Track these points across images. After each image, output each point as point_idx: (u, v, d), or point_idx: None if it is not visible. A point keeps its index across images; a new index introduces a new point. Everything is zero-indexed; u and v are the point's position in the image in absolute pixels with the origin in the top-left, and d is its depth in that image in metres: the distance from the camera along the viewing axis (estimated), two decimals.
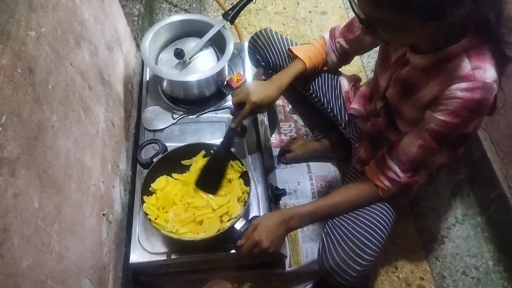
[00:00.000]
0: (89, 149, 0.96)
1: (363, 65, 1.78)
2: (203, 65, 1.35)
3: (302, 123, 1.54)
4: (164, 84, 1.33)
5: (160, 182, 1.10)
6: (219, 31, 1.32)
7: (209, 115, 1.36)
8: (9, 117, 0.62)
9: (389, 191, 0.94)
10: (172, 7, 2.02)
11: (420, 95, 0.86)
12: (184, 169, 1.16)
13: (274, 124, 1.60)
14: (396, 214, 1.01)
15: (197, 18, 1.39)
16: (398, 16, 0.69)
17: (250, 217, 1.07)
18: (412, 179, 0.91)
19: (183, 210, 1.06)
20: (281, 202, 1.31)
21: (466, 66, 0.76)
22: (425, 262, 1.29)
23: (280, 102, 1.67)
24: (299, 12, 2.01)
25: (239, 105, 1.05)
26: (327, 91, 1.16)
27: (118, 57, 1.30)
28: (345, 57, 1.12)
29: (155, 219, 1.03)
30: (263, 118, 1.37)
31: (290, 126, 1.61)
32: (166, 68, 1.32)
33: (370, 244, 0.93)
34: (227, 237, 1.03)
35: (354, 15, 1.03)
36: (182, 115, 1.35)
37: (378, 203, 0.99)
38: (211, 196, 1.09)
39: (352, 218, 0.97)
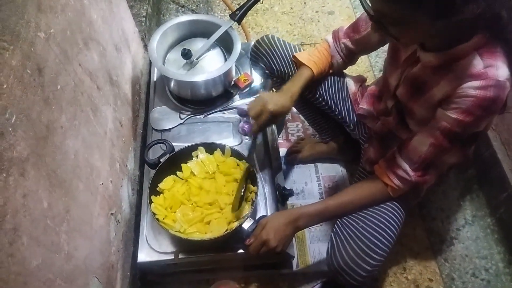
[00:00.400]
0: (97, 149, 0.96)
1: (371, 65, 1.77)
2: (211, 65, 1.35)
3: None
4: (172, 84, 1.34)
5: (168, 182, 1.10)
6: (226, 31, 1.33)
7: (216, 115, 1.36)
8: (19, 118, 0.63)
9: (399, 190, 0.93)
10: (179, 8, 2.02)
11: (431, 94, 0.85)
12: None
13: (281, 124, 1.60)
14: (405, 214, 1.00)
15: (204, 19, 1.39)
16: (409, 12, 0.68)
17: (257, 217, 1.07)
18: (422, 178, 0.90)
19: (191, 210, 1.07)
20: (288, 202, 1.30)
21: (478, 64, 0.75)
22: (434, 263, 1.28)
23: None
24: (306, 12, 2.01)
25: (257, 117, 1.02)
26: (334, 94, 1.16)
27: (126, 58, 1.31)
28: (350, 57, 1.11)
29: (163, 219, 1.04)
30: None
31: (297, 126, 1.60)
32: (174, 68, 1.33)
33: (379, 244, 0.92)
34: (235, 237, 1.03)
35: (361, 15, 1.03)
36: (190, 115, 1.35)
37: (387, 203, 0.98)
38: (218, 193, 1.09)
39: (362, 218, 0.96)
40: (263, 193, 1.19)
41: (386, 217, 0.95)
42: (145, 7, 1.60)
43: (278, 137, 1.56)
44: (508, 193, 1.23)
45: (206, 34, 1.37)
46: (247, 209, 1.07)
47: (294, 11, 2.02)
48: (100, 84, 1.02)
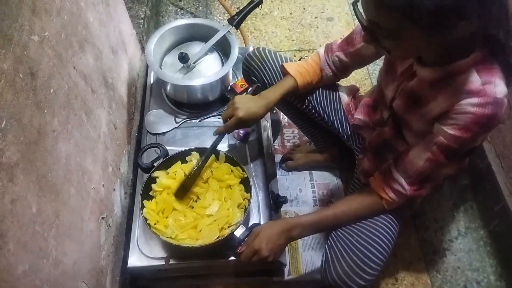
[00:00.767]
0: (90, 153, 0.95)
1: (368, 73, 1.77)
2: (208, 69, 1.34)
3: None
4: (168, 87, 1.33)
5: (162, 184, 1.10)
6: (224, 36, 1.32)
7: (212, 120, 1.35)
8: (9, 122, 0.62)
9: (394, 203, 0.93)
10: (178, 10, 2.02)
11: (428, 109, 0.84)
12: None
13: (277, 130, 1.60)
14: (400, 226, 1.00)
15: (203, 23, 1.39)
16: (402, 24, 0.68)
17: (250, 224, 1.06)
18: (417, 192, 0.90)
19: (183, 215, 1.06)
20: (282, 209, 1.30)
21: (476, 80, 0.75)
22: (426, 274, 1.28)
23: None
24: (305, 18, 2.01)
25: (226, 119, 1.06)
26: (326, 105, 1.15)
27: (123, 60, 1.30)
28: (343, 71, 1.10)
29: (155, 224, 1.03)
30: (266, 123, 1.36)
31: (293, 132, 1.60)
32: (170, 71, 1.32)
33: (374, 258, 0.92)
34: (227, 243, 1.02)
35: (355, 27, 1.03)
36: (185, 119, 1.34)
37: (382, 215, 0.98)
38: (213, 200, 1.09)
39: (356, 231, 0.96)
40: (257, 200, 1.18)
41: (381, 230, 0.95)
42: (143, 9, 1.59)
43: (274, 143, 1.55)
44: (502, 205, 1.23)
45: (204, 38, 1.36)
46: (239, 216, 1.06)
47: (293, 16, 2.02)
48: (95, 87, 1.01)
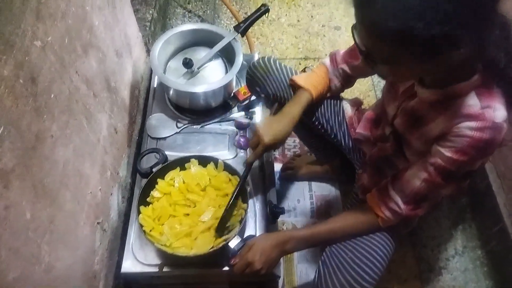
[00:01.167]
0: (88, 157, 0.95)
1: (373, 84, 1.77)
2: (211, 75, 1.34)
3: None
4: (171, 92, 1.33)
5: (162, 188, 1.09)
6: (229, 42, 1.32)
7: (213, 126, 1.35)
8: (7, 129, 0.62)
9: (389, 222, 0.92)
10: (186, 13, 2.02)
11: (428, 129, 0.84)
12: None
13: None
14: (395, 244, 0.99)
15: (208, 28, 1.39)
16: (394, 52, 0.68)
17: (245, 236, 1.06)
18: (413, 212, 0.89)
19: (178, 223, 1.05)
20: (279, 219, 1.29)
21: (476, 104, 0.75)
22: None
23: None
24: (312, 26, 2.00)
25: (254, 147, 1.03)
26: (330, 117, 1.15)
27: (127, 63, 1.30)
28: (347, 81, 1.10)
29: (150, 231, 1.03)
30: None
31: (294, 141, 1.59)
32: (174, 76, 1.32)
33: (366, 277, 0.91)
34: (221, 253, 1.02)
35: None
36: (187, 124, 1.34)
37: (378, 233, 0.97)
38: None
39: (350, 248, 0.95)
40: (254, 210, 1.18)
41: (375, 248, 0.94)
42: (150, 12, 1.59)
43: (274, 152, 1.55)
44: (500, 226, 1.22)
45: (209, 44, 1.36)
46: (235, 226, 1.06)
47: (301, 23, 2.01)
48: (97, 91, 1.01)
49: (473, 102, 0.75)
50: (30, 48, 0.69)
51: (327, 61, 1.10)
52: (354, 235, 0.97)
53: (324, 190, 1.46)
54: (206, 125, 1.35)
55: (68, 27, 0.84)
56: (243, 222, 1.05)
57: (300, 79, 1.07)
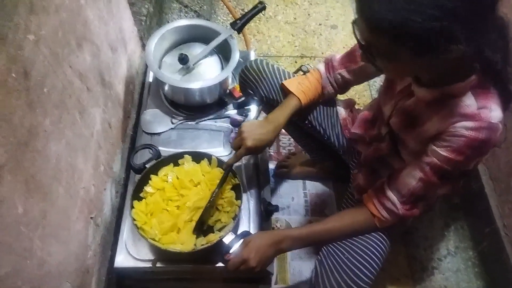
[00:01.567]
0: (81, 152, 0.95)
1: (368, 84, 1.77)
2: (207, 72, 1.34)
3: None
4: (166, 88, 1.32)
5: (155, 184, 1.09)
6: (225, 39, 1.31)
7: (208, 123, 1.34)
8: None
9: (386, 222, 0.92)
10: (183, 7, 2.01)
11: (424, 128, 0.85)
12: None
13: None
14: (390, 244, 1.00)
15: (205, 25, 1.38)
16: (392, 46, 0.69)
17: (239, 232, 1.06)
18: (409, 211, 0.90)
19: (167, 218, 1.05)
20: (273, 217, 1.30)
21: (472, 104, 0.75)
22: None
23: None
24: (309, 24, 2.00)
25: (236, 149, 1.05)
26: (323, 119, 1.14)
27: (122, 58, 1.29)
28: (344, 87, 1.10)
29: (142, 225, 1.02)
30: None
31: (289, 139, 1.59)
32: (169, 72, 1.31)
33: (363, 277, 0.91)
34: (215, 250, 1.02)
35: (356, 44, 1.02)
36: (181, 120, 1.34)
37: (373, 233, 0.97)
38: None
39: (347, 248, 0.96)
40: (247, 207, 1.18)
41: (371, 248, 0.95)
42: (146, 6, 1.58)
43: (269, 149, 1.55)
44: (492, 228, 1.23)
45: (205, 40, 1.36)
46: (229, 223, 1.06)
47: (298, 21, 2.01)
48: (91, 86, 1.01)
49: (469, 102, 0.75)
50: (23, 41, 0.68)
51: (321, 67, 1.10)
52: (350, 235, 0.97)
53: (318, 189, 1.47)
54: (201, 121, 1.34)
55: (62, 20, 0.83)
56: (236, 218, 1.05)
57: (291, 85, 1.06)
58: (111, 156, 1.17)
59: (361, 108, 1.18)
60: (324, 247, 0.99)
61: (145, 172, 1.10)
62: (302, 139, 1.34)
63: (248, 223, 1.16)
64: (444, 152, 0.78)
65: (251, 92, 1.15)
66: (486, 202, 1.25)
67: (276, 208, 1.18)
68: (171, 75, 1.30)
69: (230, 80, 1.39)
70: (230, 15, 1.93)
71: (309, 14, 2.04)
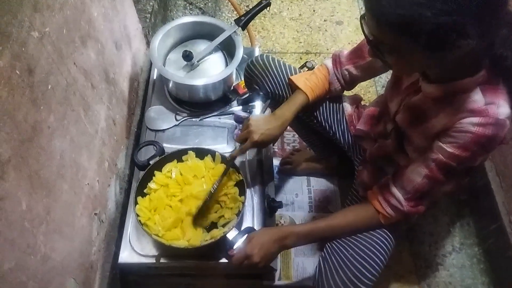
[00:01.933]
0: (86, 149, 0.95)
1: (374, 80, 1.76)
2: (211, 69, 1.34)
3: None
4: (170, 85, 1.33)
5: (159, 180, 1.10)
6: (229, 36, 1.31)
7: (212, 119, 1.35)
8: (3, 119, 0.62)
9: (390, 219, 0.92)
10: (187, 5, 2.01)
11: (430, 125, 0.84)
12: None
13: None
14: (395, 240, 1.00)
15: (209, 21, 1.38)
16: (401, 42, 0.68)
17: (243, 228, 1.06)
18: (414, 208, 0.89)
19: (170, 215, 1.05)
20: (277, 213, 1.30)
21: (480, 100, 0.75)
22: None
23: None
24: (314, 20, 1.99)
25: (242, 142, 1.05)
26: (329, 115, 1.14)
27: (126, 55, 1.29)
28: (351, 83, 1.09)
29: (146, 221, 1.03)
30: None
31: (294, 136, 1.59)
32: (174, 69, 1.32)
33: (367, 274, 0.91)
34: (218, 246, 1.02)
35: (363, 40, 1.01)
36: (186, 117, 1.34)
37: (378, 229, 0.97)
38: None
39: (351, 244, 0.95)
40: (251, 203, 1.18)
41: (376, 245, 0.94)
42: (151, 3, 1.58)
43: (273, 146, 1.55)
44: (498, 225, 1.22)
45: (210, 37, 1.36)
46: (233, 219, 1.06)
47: (303, 18, 2.00)
48: (95, 83, 1.01)
49: (477, 98, 0.75)
50: (27, 39, 0.69)
51: (329, 63, 1.09)
52: (355, 231, 0.97)
53: (322, 185, 1.46)
54: (205, 118, 1.34)
55: (66, 18, 0.84)
56: (240, 214, 1.05)
57: (299, 80, 1.06)
58: (115, 153, 1.18)
59: (367, 105, 1.17)
60: (328, 244, 0.99)
61: (149, 168, 1.10)
62: (307, 136, 1.33)
63: (251, 219, 1.16)
64: (450, 148, 0.78)
65: (257, 87, 1.14)
66: (492, 198, 1.24)
67: (280, 205, 1.18)
68: (175, 72, 1.30)
69: (234, 77, 1.39)
70: (235, 12, 1.92)
71: (314, 10, 2.03)
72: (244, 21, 1.32)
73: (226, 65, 1.35)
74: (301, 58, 1.85)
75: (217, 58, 1.37)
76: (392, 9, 0.64)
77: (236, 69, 1.38)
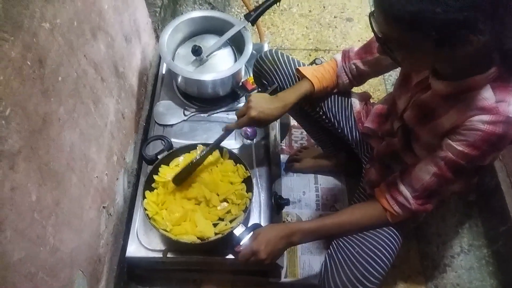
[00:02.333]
0: (95, 142, 0.95)
1: (383, 78, 1.74)
2: (220, 64, 1.33)
3: None
4: (179, 80, 1.32)
5: (163, 174, 1.09)
6: (239, 31, 1.31)
7: (220, 115, 1.34)
8: (14, 110, 0.62)
9: (398, 217, 0.91)
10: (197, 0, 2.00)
11: (439, 122, 0.83)
12: None
13: (285, 129, 1.58)
14: (402, 239, 0.99)
15: (218, 16, 1.37)
16: (411, 37, 0.67)
17: (250, 224, 1.06)
18: (422, 207, 0.88)
19: (178, 209, 1.05)
20: (283, 210, 1.29)
21: (490, 98, 0.73)
22: None
23: None
24: (324, 16, 1.97)
25: (239, 116, 1.04)
26: (337, 112, 1.13)
27: (136, 49, 1.29)
28: (359, 79, 1.08)
29: (154, 215, 1.03)
30: (275, 122, 1.35)
31: (302, 133, 1.58)
32: (183, 63, 1.31)
33: (374, 272, 0.90)
34: (225, 241, 1.02)
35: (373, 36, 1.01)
36: (194, 112, 1.34)
37: (385, 227, 0.96)
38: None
39: (358, 242, 0.95)
40: (259, 200, 1.18)
41: (383, 243, 0.94)
42: None
43: (281, 143, 1.54)
44: (508, 226, 1.20)
45: (219, 32, 1.35)
46: (240, 215, 1.06)
47: (312, 14, 1.99)
48: (105, 76, 1.01)
49: (487, 95, 0.73)
50: (38, 30, 0.69)
51: (338, 56, 1.09)
52: (361, 229, 0.96)
53: (330, 183, 1.45)
54: (214, 113, 1.34)
55: (77, 10, 0.84)
56: (247, 211, 1.05)
57: (306, 70, 1.06)
58: (124, 147, 1.18)
59: (376, 102, 1.16)
60: (335, 241, 0.98)
61: (157, 163, 1.10)
62: (315, 132, 1.33)
63: (258, 216, 1.16)
64: (459, 147, 0.77)
65: (265, 82, 1.14)
66: (502, 200, 1.22)
67: (287, 202, 1.17)
68: (184, 66, 1.30)
69: (243, 73, 1.39)
70: (245, 7, 1.91)
71: (324, 7, 2.01)
72: (253, 17, 1.31)
73: (235, 60, 1.34)
74: (310, 55, 1.84)
75: (226, 54, 1.36)
76: (401, 5, 0.63)
77: (245, 65, 1.38)
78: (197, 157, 1.06)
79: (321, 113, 1.14)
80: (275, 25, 1.94)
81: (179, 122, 1.32)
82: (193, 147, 1.15)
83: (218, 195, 1.09)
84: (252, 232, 0.98)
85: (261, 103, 1.00)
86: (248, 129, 1.27)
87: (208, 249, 1.07)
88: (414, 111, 0.91)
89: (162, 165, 1.11)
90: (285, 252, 1.18)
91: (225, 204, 1.08)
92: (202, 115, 1.34)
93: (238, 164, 1.13)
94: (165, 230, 1.01)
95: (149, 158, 1.11)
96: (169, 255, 1.07)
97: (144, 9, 1.38)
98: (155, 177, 1.09)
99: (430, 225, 1.36)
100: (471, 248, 1.31)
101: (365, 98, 1.17)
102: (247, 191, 1.10)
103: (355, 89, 1.17)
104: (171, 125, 1.31)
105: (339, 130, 1.15)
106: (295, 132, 1.59)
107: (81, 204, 0.89)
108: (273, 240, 0.94)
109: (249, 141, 1.27)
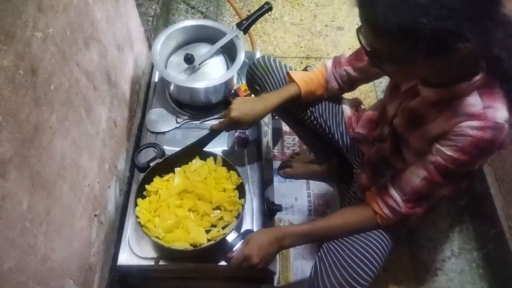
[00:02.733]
0: (87, 150, 0.96)
1: (374, 85, 1.77)
2: (212, 72, 1.34)
3: None
4: (171, 87, 1.33)
5: (156, 184, 1.10)
6: (231, 39, 1.32)
7: (213, 123, 1.33)
8: (5, 119, 0.63)
9: (388, 220, 0.92)
10: (189, 9, 2.02)
11: (428, 128, 0.85)
12: None
13: (278, 136, 1.60)
14: (392, 243, 1.00)
15: (211, 25, 1.39)
16: (400, 50, 0.69)
17: (242, 230, 1.06)
18: (412, 210, 0.90)
19: (170, 216, 1.05)
20: (276, 216, 1.30)
21: (478, 104, 0.75)
22: None
23: None
24: (315, 25, 2.00)
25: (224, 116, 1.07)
26: (328, 117, 1.15)
27: (128, 58, 1.30)
28: (349, 84, 1.10)
29: (146, 222, 1.03)
30: (267, 129, 1.36)
31: (294, 140, 1.59)
32: (175, 72, 1.32)
33: (363, 274, 0.91)
34: (217, 248, 1.02)
35: None
36: (186, 120, 1.34)
37: (375, 231, 0.97)
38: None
39: (347, 245, 0.96)
40: (251, 206, 1.18)
41: (372, 246, 0.95)
42: (153, 7, 1.59)
43: (274, 149, 1.55)
44: (497, 230, 1.22)
45: (211, 40, 1.36)
46: (232, 221, 1.06)
47: (304, 23, 2.01)
48: (97, 84, 1.02)
49: (475, 102, 0.75)
50: (31, 39, 0.69)
51: (329, 63, 1.10)
52: (352, 232, 0.97)
53: (322, 189, 1.46)
54: (206, 121, 1.35)
55: (69, 19, 0.84)
56: (240, 217, 1.05)
57: (295, 74, 1.08)
58: (116, 155, 1.18)
59: (366, 109, 1.18)
60: (325, 244, 0.99)
61: (149, 170, 1.10)
62: (307, 138, 1.34)
63: (251, 222, 1.16)
64: (449, 152, 0.78)
65: (258, 88, 1.16)
66: (492, 204, 1.24)
67: (279, 208, 1.18)
68: (177, 74, 1.31)
69: (235, 80, 1.40)
70: (237, 16, 1.93)
71: (315, 16, 2.04)
72: (245, 25, 1.32)
73: (227, 68, 1.35)
74: (301, 63, 1.86)
75: (219, 62, 1.37)
76: (388, 18, 0.65)
77: (237, 73, 1.39)
78: (185, 148, 1.09)
79: (312, 118, 1.15)
80: (267, 33, 1.96)
81: (172, 130, 1.32)
82: (184, 153, 1.15)
83: (211, 203, 1.09)
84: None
85: (242, 104, 1.02)
86: (241, 136, 1.28)
87: (200, 256, 1.07)
88: (404, 117, 0.92)
89: (156, 176, 1.11)
90: (278, 257, 1.18)
91: (217, 211, 1.09)
92: (194, 122, 1.34)
93: (231, 171, 1.14)
94: (157, 238, 1.01)
95: (141, 166, 1.11)
96: (161, 262, 1.07)
97: (136, 18, 1.39)
98: (146, 186, 1.09)
99: (422, 230, 1.37)
100: (462, 251, 1.32)
101: (355, 104, 1.19)
102: (240, 197, 1.10)
103: (346, 96, 1.19)
104: (164, 133, 1.31)
105: (330, 136, 1.17)
106: (287, 138, 1.60)
107: (72, 212, 0.89)
108: (264, 245, 0.95)
109: (241, 148, 1.27)
